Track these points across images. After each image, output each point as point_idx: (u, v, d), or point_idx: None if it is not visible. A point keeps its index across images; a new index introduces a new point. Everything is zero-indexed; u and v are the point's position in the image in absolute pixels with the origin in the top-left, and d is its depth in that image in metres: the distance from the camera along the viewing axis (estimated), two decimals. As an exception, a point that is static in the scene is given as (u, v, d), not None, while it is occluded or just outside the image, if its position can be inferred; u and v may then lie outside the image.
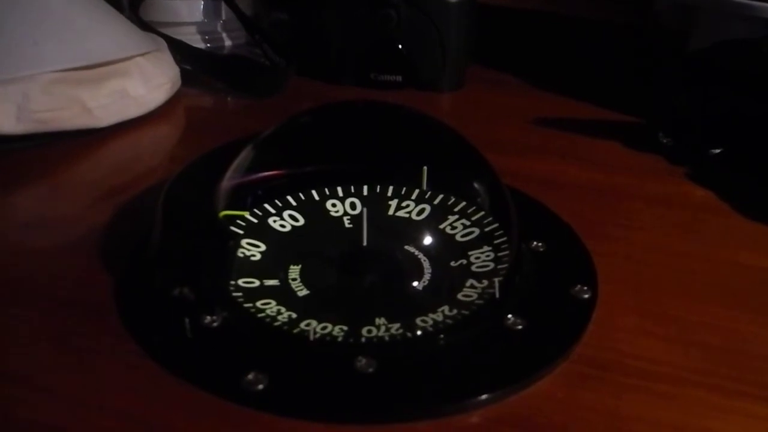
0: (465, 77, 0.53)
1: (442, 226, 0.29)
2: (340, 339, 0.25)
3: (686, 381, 0.25)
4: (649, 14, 0.57)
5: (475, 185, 0.31)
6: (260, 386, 0.23)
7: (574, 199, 0.36)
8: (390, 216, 0.30)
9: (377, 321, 0.26)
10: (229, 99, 0.50)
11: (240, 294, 0.26)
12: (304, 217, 0.29)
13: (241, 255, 0.27)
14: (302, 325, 0.25)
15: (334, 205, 0.30)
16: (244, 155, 0.30)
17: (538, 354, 0.25)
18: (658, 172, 0.40)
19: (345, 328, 0.25)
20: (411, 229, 0.30)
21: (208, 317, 0.26)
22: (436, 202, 0.30)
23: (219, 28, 0.56)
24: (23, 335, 0.27)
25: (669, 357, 0.26)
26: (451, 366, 0.25)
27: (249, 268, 0.27)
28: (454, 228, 0.29)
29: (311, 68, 0.53)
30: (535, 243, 0.31)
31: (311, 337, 0.25)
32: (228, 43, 0.56)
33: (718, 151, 0.40)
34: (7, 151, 0.39)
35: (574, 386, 0.25)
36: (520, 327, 0.26)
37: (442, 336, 0.25)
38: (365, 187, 0.30)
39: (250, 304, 0.26)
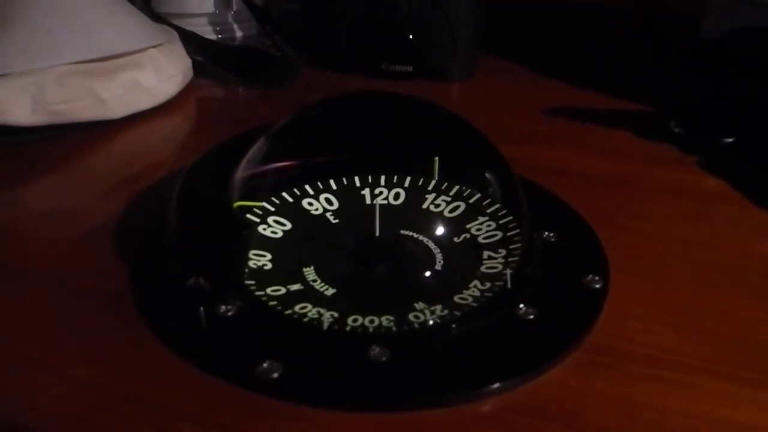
0: (475, 67, 0.52)
1: (425, 206, 0.30)
2: (394, 329, 0.25)
3: (697, 369, 0.25)
4: (660, 0, 0.56)
5: (486, 175, 0.31)
6: (275, 375, 0.24)
7: (585, 188, 0.36)
8: (369, 205, 0.30)
9: (417, 306, 0.26)
10: (240, 90, 0.50)
11: (276, 302, 0.26)
12: (288, 221, 0.29)
13: (254, 266, 0.27)
14: (349, 321, 0.25)
15: (311, 204, 0.30)
16: (258, 146, 0.30)
17: (550, 343, 0.26)
18: (669, 161, 0.40)
19: (391, 318, 0.25)
20: (396, 214, 0.29)
21: (223, 306, 0.26)
22: (406, 185, 0.30)
23: (230, 19, 0.56)
24: (41, 322, 0.27)
25: (680, 345, 0.26)
26: (463, 355, 0.25)
27: (268, 277, 0.27)
28: (437, 206, 0.29)
29: (322, 59, 0.53)
30: (546, 233, 0.31)
31: (324, 327, 0.25)
32: (239, 34, 0.56)
33: (730, 140, 0.40)
34: (23, 143, 0.40)
35: (586, 375, 0.25)
36: (532, 317, 0.26)
37: (454, 325, 0.26)
38: (332, 182, 0.30)
39: (291, 311, 0.26)
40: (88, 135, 0.41)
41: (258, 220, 0.29)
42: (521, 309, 0.27)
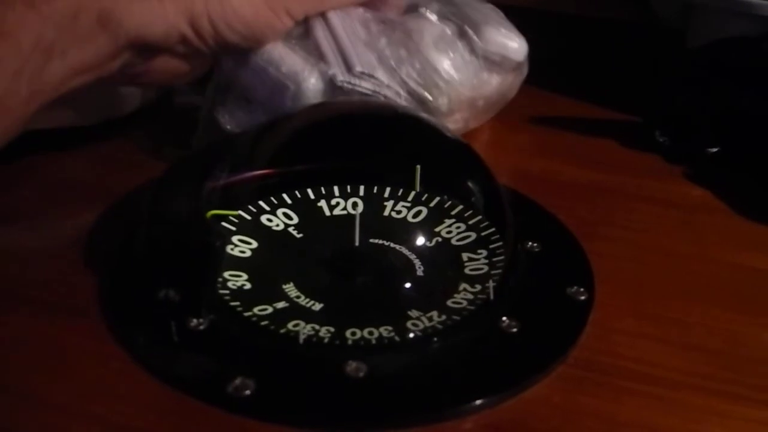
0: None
1: (385, 213, 0.29)
2: (397, 339, 0.24)
3: (685, 385, 0.25)
4: (647, 11, 0.56)
5: (470, 184, 0.30)
6: (247, 392, 0.23)
7: (570, 198, 0.36)
8: (329, 216, 0.29)
9: (412, 314, 0.25)
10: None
11: (268, 322, 0.25)
12: (253, 239, 0.28)
13: (234, 287, 0.26)
14: (348, 334, 0.24)
15: (270, 220, 0.29)
16: (232, 154, 0.29)
17: (534, 357, 0.25)
18: (655, 171, 0.39)
19: (390, 328, 0.25)
20: (361, 224, 0.28)
21: (195, 320, 0.25)
22: (361, 194, 0.29)
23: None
24: (5, 339, 0.26)
25: (667, 360, 0.26)
26: (444, 370, 0.24)
27: (250, 297, 0.26)
28: (398, 212, 0.29)
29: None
30: (530, 243, 0.30)
31: (300, 340, 0.24)
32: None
33: (715, 150, 0.39)
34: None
35: (571, 390, 0.24)
36: (515, 330, 0.26)
37: (435, 339, 0.25)
38: (285, 196, 0.29)
39: (285, 329, 0.25)
40: (62, 143, 0.40)
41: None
42: (504, 322, 0.26)
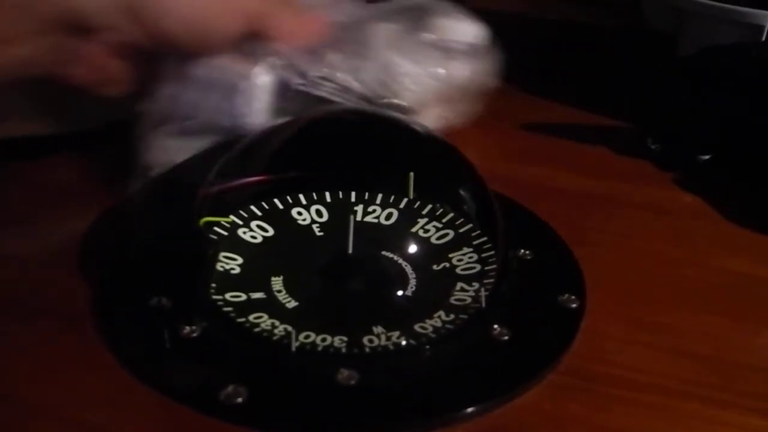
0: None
1: (414, 230, 0.29)
2: (343, 350, 0.24)
3: (676, 392, 0.25)
4: (638, 17, 0.56)
5: (461, 192, 0.30)
6: (239, 399, 0.23)
7: (561, 205, 0.36)
8: (358, 222, 0.29)
9: (375, 330, 0.25)
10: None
11: (230, 309, 0.25)
12: (272, 227, 0.28)
13: (221, 269, 0.26)
14: (301, 337, 0.24)
15: (300, 214, 0.29)
16: (225, 161, 0.29)
17: (525, 365, 0.25)
18: (646, 178, 0.39)
19: (345, 339, 0.25)
20: (382, 234, 0.29)
21: (187, 327, 0.25)
22: (401, 206, 0.29)
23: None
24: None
25: (658, 367, 0.26)
26: (435, 378, 0.24)
27: (231, 281, 0.26)
28: (426, 231, 0.29)
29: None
30: (522, 251, 0.30)
31: (292, 348, 0.24)
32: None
33: (707, 156, 0.40)
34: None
35: (562, 398, 0.24)
36: (506, 337, 0.26)
37: (427, 347, 0.25)
38: (327, 194, 0.29)
39: (243, 319, 0.25)
40: (55, 147, 0.40)
41: (241, 222, 0.28)
42: (495, 329, 0.26)
